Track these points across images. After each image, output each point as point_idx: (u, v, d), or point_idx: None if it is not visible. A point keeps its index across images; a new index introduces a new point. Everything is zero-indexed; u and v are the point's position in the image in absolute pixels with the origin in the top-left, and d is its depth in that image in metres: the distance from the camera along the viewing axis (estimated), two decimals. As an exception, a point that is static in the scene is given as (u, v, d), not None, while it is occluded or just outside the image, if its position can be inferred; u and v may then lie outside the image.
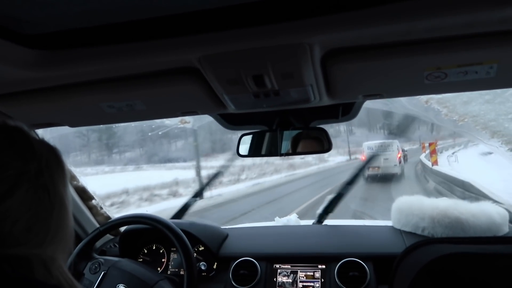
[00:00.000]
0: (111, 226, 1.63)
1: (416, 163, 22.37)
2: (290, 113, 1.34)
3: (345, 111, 1.35)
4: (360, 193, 13.76)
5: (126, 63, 0.86)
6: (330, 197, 2.17)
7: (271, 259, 1.69)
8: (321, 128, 1.37)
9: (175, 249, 1.86)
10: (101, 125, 1.42)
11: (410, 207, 1.71)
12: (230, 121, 1.44)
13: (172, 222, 1.55)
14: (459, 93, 1.27)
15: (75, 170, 1.92)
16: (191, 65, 0.89)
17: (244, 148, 1.48)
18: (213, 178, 2.88)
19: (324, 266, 1.62)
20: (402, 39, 0.80)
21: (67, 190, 0.70)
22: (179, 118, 1.35)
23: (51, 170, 0.65)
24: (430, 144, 16.61)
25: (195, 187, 17.29)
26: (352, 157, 35.60)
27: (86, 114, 1.22)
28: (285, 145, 1.40)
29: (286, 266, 1.66)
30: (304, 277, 1.62)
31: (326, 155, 32.09)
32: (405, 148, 26.89)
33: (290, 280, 1.62)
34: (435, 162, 14.57)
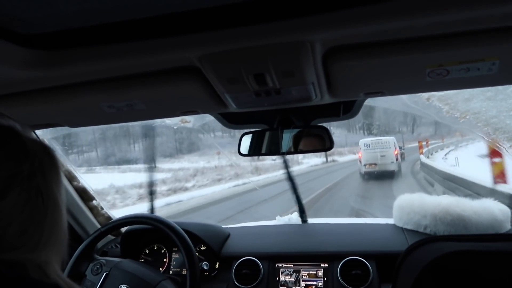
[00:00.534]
0: (112, 226, 1.63)
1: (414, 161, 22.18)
2: (291, 111, 1.33)
3: (346, 109, 1.35)
4: (358, 190, 13.73)
5: (126, 63, 0.85)
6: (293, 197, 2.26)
7: (273, 258, 1.69)
8: (322, 126, 1.37)
9: (176, 249, 1.86)
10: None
11: (412, 205, 1.71)
12: (231, 120, 1.44)
13: (173, 222, 1.55)
14: (461, 90, 1.26)
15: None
16: (191, 64, 0.89)
17: (245, 147, 1.47)
18: (151, 193, 2.82)
19: (326, 265, 1.61)
20: (404, 36, 0.79)
21: (61, 191, 0.68)
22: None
23: (44, 171, 0.64)
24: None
25: (126, 196, 16.50)
26: (330, 159, 33.11)
27: (86, 115, 1.21)
28: (286, 144, 1.40)
29: (288, 265, 1.66)
30: (307, 276, 1.62)
31: (300, 156, 30.66)
32: (402, 146, 26.80)
33: (293, 279, 1.62)
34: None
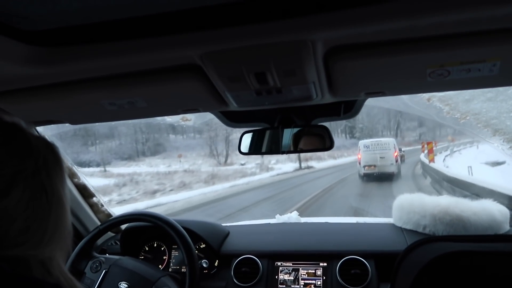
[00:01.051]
0: (112, 224, 1.63)
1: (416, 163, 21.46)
2: (291, 110, 1.33)
3: (347, 109, 1.35)
4: (358, 190, 13.58)
5: (128, 60, 0.85)
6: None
7: (272, 257, 1.69)
8: (322, 125, 1.37)
9: (176, 246, 1.87)
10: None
11: (411, 205, 1.71)
12: (232, 119, 1.44)
13: (173, 220, 1.55)
14: (462, 91, 1.26)
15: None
16: (193, 62, 0.89)
17: (245, 146, 1.47)
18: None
19: (325, 264, 1.62)
20: (405, 36, 0.80)
21: (65, 188, 0.68)
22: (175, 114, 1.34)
23: (48, 168, 0.64)
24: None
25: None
26: (305, 164, 27.80)
27: (87, 112, 1.22)
28: (287, 143, 1.40)
29: (287, 264, 1.66)
30: (306, 275, 1.62)
31: (273, 161, 28.74)
32: (402, 149, 26.47)
33: (292, 278, 1.63)
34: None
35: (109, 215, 2.01)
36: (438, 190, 11.34)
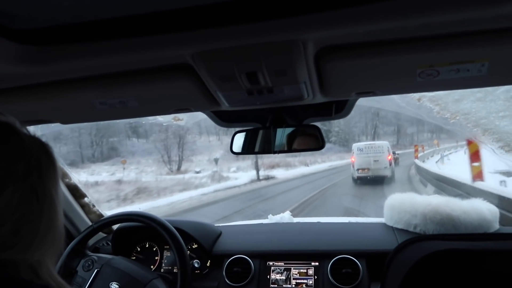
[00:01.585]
0: (105, 223, 1.62)
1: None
2: (283, 110, 1.34)
3: (338, 109, 1.36)
4: (352, 191, 13.40)
5: (119, 60, 0.85)
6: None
7: (264, 257, 1.69)
8: (314, 125, 1.37)
9: (168, 247, 1.86)
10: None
11: (402, 204, 1.72)
12: (223, 118, 1.44)
13: (165, 220, 1.54)
14: (451, 91, 1.27)
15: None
16: (184, 62, 0.89)
17: (237, 146, 1.47)
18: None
19: (317, 263, 1.62)
20: (395, 36, 0.80)
21: (58, 190, 0.67)
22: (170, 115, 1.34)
23: (41, 169, 0.62)
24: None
25: None
26: (265, 174, 22.56)
27: (78, 111, 1.21)
28: (279, 143, 1.41)
29: (279, 264, 1.66)
30: (298, 274, 1.62)
31: (233, 168, 26.72)
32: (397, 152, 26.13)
33: (284, 277, 1.63)
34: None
35: (101, 215, 2.00)
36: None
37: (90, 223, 1.90)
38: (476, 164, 7.83)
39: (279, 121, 1.35)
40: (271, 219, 2.37)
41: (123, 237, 1.85)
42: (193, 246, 1.82)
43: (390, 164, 17.34)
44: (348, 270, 1.55)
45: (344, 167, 24.60)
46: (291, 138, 1.41)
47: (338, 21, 0.71)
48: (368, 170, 16.97)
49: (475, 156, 7.93)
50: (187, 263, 1.46)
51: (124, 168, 27.85)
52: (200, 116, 1.48)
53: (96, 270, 1.46)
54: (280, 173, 24.23)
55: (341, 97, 1.23)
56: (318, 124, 1.39)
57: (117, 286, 1.38)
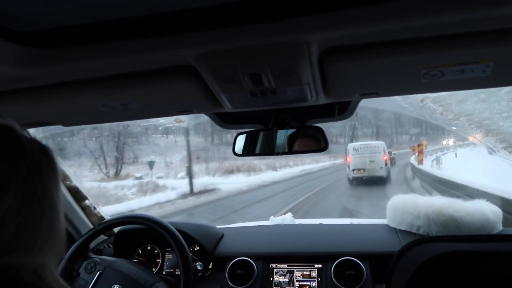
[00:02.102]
0: (108, 225, 1.62)
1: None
2: (286, 112, 1.33)
3: (341, 110, 1.35)
4: (349, 192, 13.35)
5: (121, 61, 0.84)
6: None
7: (267, 259, 1.68)
8: (317, 127, 1.37)
9: (170, 249, 1.85)
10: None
11: (405, 206, 1.72)
12: (226, 120, 1.43)
13: (167, 222, 1.54)
14: (455, 92, 1.27)
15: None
16: (187, 64, 0.88)
17: (239, 147, 1.47)
18: None
19: (320, 265, 1.61)
20: (399, 37, 0.80)
21: (59, 193, 0.66)
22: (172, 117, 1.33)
23: (42, 173, 0.62)
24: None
25: None
26: (205, 185, 17.59)
27: (80, 113, 1.20)
28: (281, 144, 1.40)
29: (282, 266, 1.66)
30: (301, 276, 1.62)
31: (182, 173, 21.62)
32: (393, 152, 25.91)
33: (287, 280, 1.62)
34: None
35: (102, 218, 2.00)
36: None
37: (91, 226, 1.90)
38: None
39: (281, 123, 1.35)
40: (273, 220, 2.36)
41: (125, 239, 1.85)
42: (195, 249, 1.81)
43: (386, 164, 17.29)
44: (352, 272, 1.54)
45: (320, 172, 22.67)
46: (293, 139, 1.41)
47: (343, 22, 0.70)
48: (363, 170, 16.93)
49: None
50: (189, 266, 1.45)
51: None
52: (202, 118, 1.47)
53: (98, 273, 1.45)
54: (234, 181, 19.98)
55: (344, 98, 1.23)
56: (321, 125, 1.38)
57: None
